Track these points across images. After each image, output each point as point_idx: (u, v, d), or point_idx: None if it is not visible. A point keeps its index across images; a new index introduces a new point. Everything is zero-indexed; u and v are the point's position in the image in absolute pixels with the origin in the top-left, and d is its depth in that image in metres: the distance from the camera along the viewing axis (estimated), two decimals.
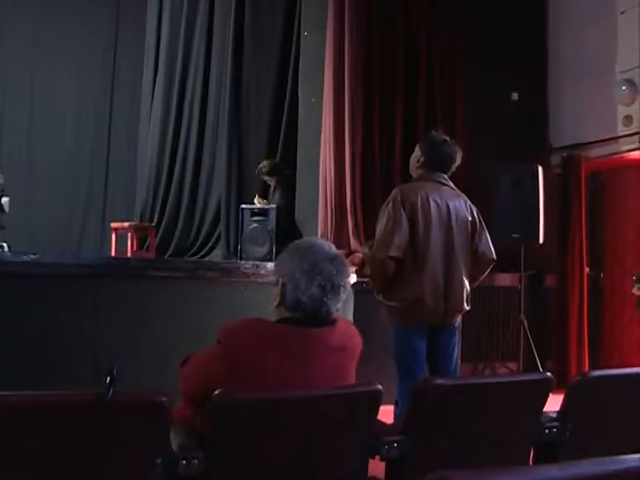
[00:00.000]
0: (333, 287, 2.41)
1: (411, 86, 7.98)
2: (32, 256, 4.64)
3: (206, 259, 9.52)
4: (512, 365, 7.61)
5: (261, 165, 8.84)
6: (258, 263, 5.45)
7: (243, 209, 8.30)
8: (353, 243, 7.19)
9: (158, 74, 10.55)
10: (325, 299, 2.39)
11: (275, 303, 2.46)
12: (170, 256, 9.55)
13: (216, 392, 2.19)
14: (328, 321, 2.45)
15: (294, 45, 9.70)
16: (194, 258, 9.63)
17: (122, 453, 2.16)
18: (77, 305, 4.64)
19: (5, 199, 9.80)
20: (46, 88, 11.15)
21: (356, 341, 2.57)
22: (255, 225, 8.03)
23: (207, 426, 2.27)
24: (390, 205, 4.30)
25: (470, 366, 7.39)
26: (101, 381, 4.15)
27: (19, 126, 11.14)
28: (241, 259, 7.75)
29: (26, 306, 4.58)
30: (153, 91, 10.56)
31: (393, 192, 4.39)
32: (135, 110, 10.92)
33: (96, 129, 11.28)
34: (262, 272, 5.09)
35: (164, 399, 2.15)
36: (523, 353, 7.37)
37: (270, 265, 5.18)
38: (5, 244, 9.11)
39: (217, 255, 9.55)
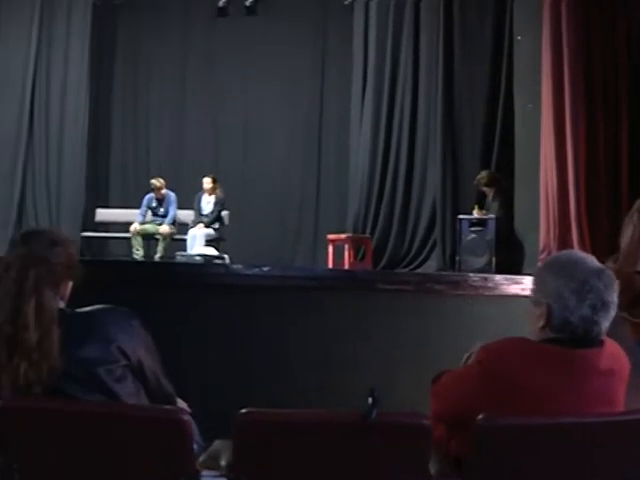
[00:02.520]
0: (604, 305, 2.22)
1: (635, 87, 7.53)
2: (263, 269, 4.72)
3: (418, 270, 9.45)
4: None
5: (479, 176, 8.74)
6: (486, 275, 5.28)
7: (461, 219, 8.18)
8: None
9: (367, 85, 10.61)
10: (597, 318, 2.21)
11: (540, 325, 2.28)
12: (384, 267, 9.55)
13: (480, 416, 2.07)
14: (596, 342, 2.26)
15: (505, 50, 9.50)
16: (406, 269, 9.59)
17: (382, 476, 2.09)
18: (305, 318, 4.66)
19: (224, 212, 10.23)
20: (257, 105, 11.50)
21: (624, 363, 2.36)
22: (473, 236, 7.90)
23: (467, 450, 2.15)
24: (636, 216, 4.01)
25: None
26: (330, 398, 4.13)
27: (234, 143, 11.55)
28: (459, 270, 7.63)
29: (255, 320, 4.66)
30: (362, 102, 10.62)
31: (638, 202, 4.09)
32: (345, 122, 11.02)
33: (307, 142, 11.49)
34: (490, 285, 4.91)
35: (426, 422, 2.06)
36: None
37: (498, 278, 4.99)
38: (226, 256, 9.48)
39: (431, 266, 9.46)
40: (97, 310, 2.27)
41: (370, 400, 1.99)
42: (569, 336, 2.24)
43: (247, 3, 11.31)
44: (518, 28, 8.64)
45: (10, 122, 11.23)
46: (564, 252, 2.60)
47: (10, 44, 11.26)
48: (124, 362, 2.23)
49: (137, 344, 2.27)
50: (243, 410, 2.02)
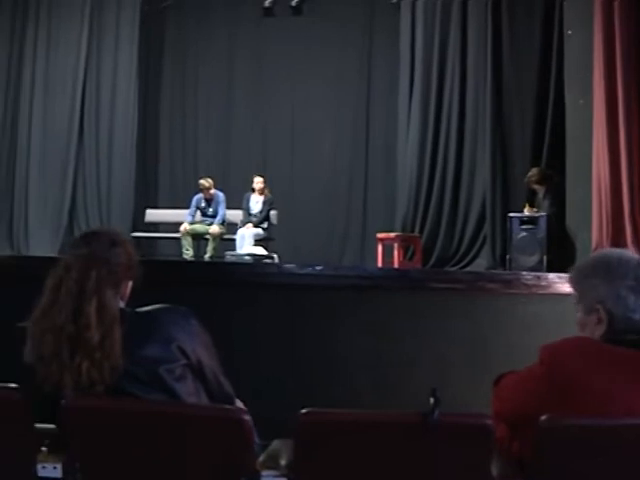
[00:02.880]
0: None
1: None
2: (316, 268, 4.72)
3: (467, 269, 9.39)
4: None
5: (530, 174, 8.66)
6: (539, 274, 5.21)
7: (511, 217, 8.11)
8: (633, 252, 6.76)
9: (414, 84, 10.55)
10: None
11: (600, 331, 2.25)
12: (432, 266, 9.52)
13: (543, 417, 2.04)
14: None
15: (555, 45, 9.40)
16: (455, 268, 9.54)
17: (443, 477, 2.07)
18: (357, 318, 4.65)
19: (273, 212, 10.27)
20: (305, 104, 11.53)
21: None
22: (524, 234, 7.83)
23: (530, 452, 2.12)
24: None
25: None
26: (384, 398, 4.09)
27: (282, 142, 11.58)
28: (509, 269, 7.56)
29: (308, 319, 4.66)
30: (410, 101, 10.57)
31: None
32: (392, 120, 10.98)
33: (354, 141, 11.47)
34: (543, 283, 4.85)
35: (489, 422, 2.03)
36: None
37: (551, 276, 4.92)
38: (275, 255, 9.51)
39: (480, 265, 9.40)
40: (157, 309, 2.29)
41: (432, 400, 1.97)
42: (631, 335, 2.21)
43: (293, 3, 11.34)
44: (568, 22, 8.53)
45: (61, 127, 11.43)
46: (599, 254, 2.56)
47: (60, 51, 11.47)
48: (184, 361, 2.24)
49: (196, 343, 2.27)
50: (304, 410, 2.01)
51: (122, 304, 2.32)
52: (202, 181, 10.35)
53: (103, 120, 11.49)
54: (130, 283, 2.36)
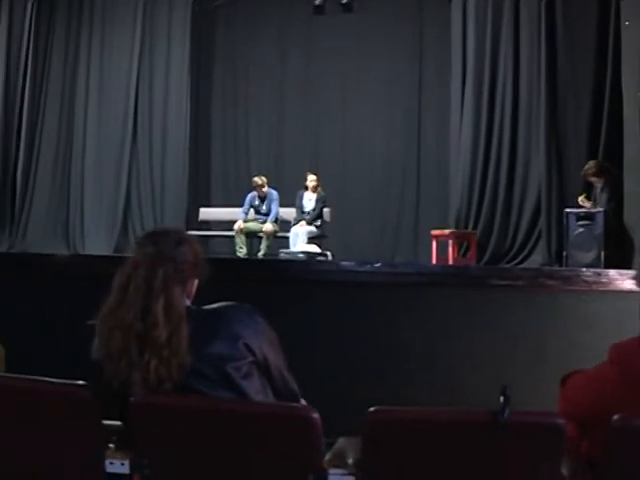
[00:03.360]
0: None
1: None
2: (375, 265, 4.69)
3: (522, 265, 9.28)
4: None
5: (587, 166, 8.50)
6: (599, 270, 5.12)
7: (568, 213, 7.98)
8: None
9: (467, 78, 10.45)
10: None
11: None
12: (486, 263, 9.42)
13: (616, 416, 2.00)
14: None
15: (612, 36, 9.21)
16: (509, 265, 9.43)
17: (514, 476, 2.04)
18: (414, 315, 4.61)
19: (326, 210, 10.26)
20: (356, 101, 11.53)
21: None
22: (581, 230, 7.71)
23: (601, 452, 2.08)
24: None
25: None
26: (441, 396, 4.05)
27: (334, 140, 11.58)
28: (566, 265, 7.45)
29: (365, 317, 4.63)
30: (462, 95, 10.47)
31: None
32: (445, 115, 10.88)
33: (406, 138, 11.42)
34: (603, 280, 4.75)
35: (560, 421, 2.00)
36: None
37: (612, 273, 4.82)
38: (329, 252, 9.51)
39: (535, 261, 9.27)
40: (223, 307, 2.29)
41: (502, 399, 1.95)
42: None
43: (343, 1, 11.32)
44: (626, 12, 8.37)
45: (115, 128, 11.60)
46: None
47: (114, 54, 11.65)
48: (250, 358, 2.24)
49: (262, 341, 2.28)
50: (372, 408, 2.00)
51: (188, 302, 2.33)
52: (256, 178, 10.38)
53: (156, 121, 11.62)
54: (196, 281, 2.38)
